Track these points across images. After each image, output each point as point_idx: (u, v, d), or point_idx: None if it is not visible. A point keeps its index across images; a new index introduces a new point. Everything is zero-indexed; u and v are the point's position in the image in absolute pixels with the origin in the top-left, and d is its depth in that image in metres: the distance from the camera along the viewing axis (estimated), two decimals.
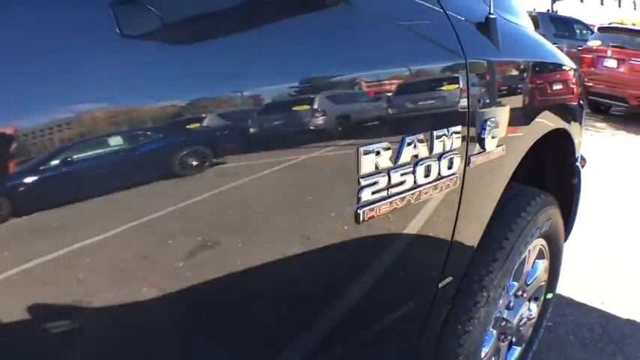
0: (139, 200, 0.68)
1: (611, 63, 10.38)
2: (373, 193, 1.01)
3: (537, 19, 12.15)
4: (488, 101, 1.33)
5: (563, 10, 21.33)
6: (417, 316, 1.38)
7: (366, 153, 0.97)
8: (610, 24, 12.02)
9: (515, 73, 1.51)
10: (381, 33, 1.07)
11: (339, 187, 0.97)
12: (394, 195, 1.06)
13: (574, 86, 2.09)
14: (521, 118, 1.54)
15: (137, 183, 0.68)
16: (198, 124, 0.74)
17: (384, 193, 1.04)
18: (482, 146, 1.30)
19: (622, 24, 11.90)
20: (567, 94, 2.04)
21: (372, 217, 1.02)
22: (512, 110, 1.45)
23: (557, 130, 1.91)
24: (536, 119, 1.62)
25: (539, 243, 1.94)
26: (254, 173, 0.81)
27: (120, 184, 0.66)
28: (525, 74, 1.58)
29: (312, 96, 0.89)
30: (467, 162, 1.25)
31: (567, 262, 3.44)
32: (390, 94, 1.04)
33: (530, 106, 1.59)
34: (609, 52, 10.41)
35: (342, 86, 0.96)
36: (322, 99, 0.90)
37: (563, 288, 3.12)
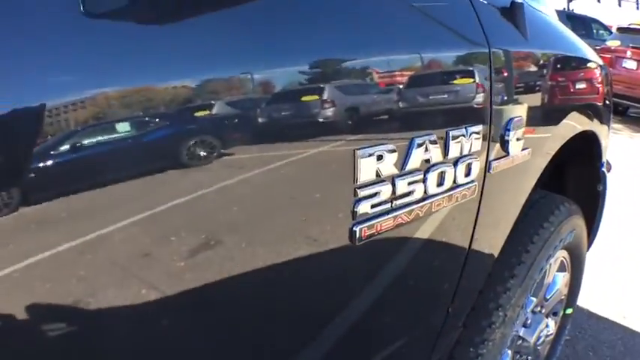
0: (91, 202, 0.56)
1: (630, 64, 10.21)
2: (373, 206, 0.84)
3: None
4: (514, 97, 1.16)
5: (579, 9, 20.95)
6: (423, 341, 1.21)
7: (365, 157, 0.80)
8: (629, 25, 11.80)
9: (544, 66, 1.33)
10: (386, 14, 0.90)
11: (330, 200, 0.80)
12: (399, 208, 0.88)
13: (602, 84, 1.90)
14: (550, 117, 1.36)
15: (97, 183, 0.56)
16: (162, 118, 0.60)
17: (387, 206, 0.86)
18: (506, 149, 1.12)
19: None
20: (595, 92, 1.85)
21: (372, 235, 0.85)
22: (540, 109, 1.28)
23: (584, 131, 1.73)
24: (566, 119, 1.44)
25: (561, 255, 1.77)
26: (220, 183, 0.65)
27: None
28: (555, 68, 1.40)
29: (297, 87, 0.72)
30: (487, 168, 1.07)
31: (587, 273, 3.27)
32: (396, 86, 0.86)
33: (560, 104, 1.42)
34: (629, 53, 10.23)
35: (339, 76, 0.78)
36: (311, 90, 0.74)
37: (583, 300, 2.96)
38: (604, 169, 2.10)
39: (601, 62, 1.93)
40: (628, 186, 5.53)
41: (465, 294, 1.22)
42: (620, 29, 11.44)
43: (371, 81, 0.82)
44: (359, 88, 0.81)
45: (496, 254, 1.28)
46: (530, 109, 1.21)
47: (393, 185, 0.86)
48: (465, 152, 1.00)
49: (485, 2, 1.13)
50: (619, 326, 2.86)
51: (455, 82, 0.99)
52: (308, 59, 0.73)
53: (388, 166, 0.84)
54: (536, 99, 1.27)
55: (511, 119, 1.12)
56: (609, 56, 10.39)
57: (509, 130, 1.11)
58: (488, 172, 1.07)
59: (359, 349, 1.01)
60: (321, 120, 0.75)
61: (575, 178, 2.11)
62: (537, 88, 1.29)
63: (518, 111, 1.16)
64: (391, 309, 1.02)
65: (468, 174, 1.02)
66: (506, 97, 1.12)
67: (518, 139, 1.14)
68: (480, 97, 1.03)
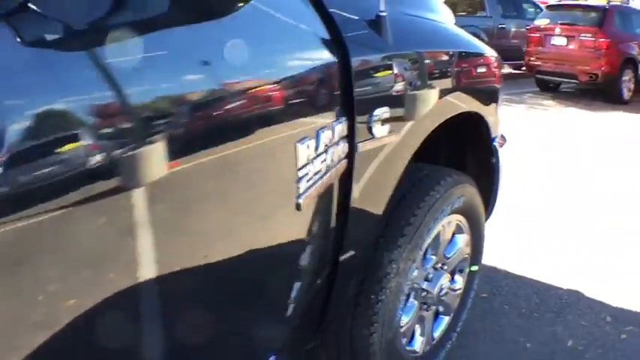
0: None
1: (559, 41, 10.77)
2: (307, 181, 1.25)
3: (484, 2, 12.49)
4: (375, 92, 1.52)
5: None
6: (316, 289, 1.55)
7: (302, 145, 1.23)
8: (559, 1, 12.39)
9: (409, 64, 1.69)
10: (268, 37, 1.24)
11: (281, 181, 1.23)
12: (317, 181, 1.30)
13: (484, 71, 2.29)
14: (417, 105, 1.72)
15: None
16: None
17: (312, 181, 1.28)
18: (372, 133, 1.48)
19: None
20: (476, 79, 2.24)
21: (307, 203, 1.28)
22: (405, 98, 1.64)
23: (468, 113, 2.10)
24: (436, 105, 1.81)
25: (454, 219, 2.12)
26: (202, 174, 1.02)
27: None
28: (421, 64, 1.76)
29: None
30: (355, 148, 1.43)
31: (505, 235, 3.66)
32: (276, 92, 1.22)
33: (427, 93, 1.78)
34: (558, 30, 10.78)
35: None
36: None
37: (499, 261, 3.31)
38: (496, 144, 2.47)
39: (485, 51, 2.32)
40: (548, 157, 6.09)
41: (353, 249, 1.57)
42: (549, 7, 12.01)
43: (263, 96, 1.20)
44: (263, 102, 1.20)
45: (378, 216, 1.63)
46: (395, 99, 1.58)
47: (313, 165, 1.28)
48: (343, 136, 1.37)
49: (352, 17, 1.48)
50: (535, 282, 3.17)
51: (320, 84, 1.36)
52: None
53: (310, 152, 1.26)
54: (401, 91, 1.63)
55: (375, 109, 1.49)
56: (538, 35, 10.97)
57: (372, 118, 1.47)
58: (357, 151, 1.44)
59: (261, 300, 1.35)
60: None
61: (473, 154, 2.48)
62: (402, 82, 1.64)
63: (382, 102, 1.52)
64: (289, 263, 1.37)
65: (343, 152, 1.39)
66: (368, 93, 1.49)
67: (382, 125, 1.51)
68: (345, 94, 1.39)
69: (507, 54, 12.17)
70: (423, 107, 1.74)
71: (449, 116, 1.91)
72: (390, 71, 1.59)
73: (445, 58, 1.96)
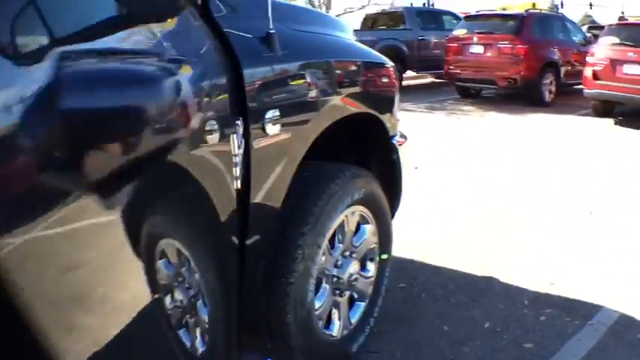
0: None
1: (477, 49, 11.38)
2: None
3: (403, 16, 13.18)
4: (266, 97, 1.82)
5: (439, 3, 22.58)
6: (227, 275, 1.78)
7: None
8: (477, 11, 13.12)
9: (297, 72, 2.00)
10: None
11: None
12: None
13: (379, 77, 2.63)
14: (306, 108, 2.03)
15: None
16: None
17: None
18: (265, 132, 1.78)
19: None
20: (370, 83, 2.58)
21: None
22: (295, 102, 1.96)
23: (365, 115, 2.42)
24: (324, 107, 2.13)
25: (357, 210, 2.40)
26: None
27: None
28: (310, 72, 2.07)
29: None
30: (250, 144, 1.72)
31: (423, 232, 3.99)
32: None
33: (315, 97, 2.09)
34: (475, 39, 11.40)
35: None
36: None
37: (416, 255, 3.61)
38: (395, 142, 2.79)
39: (377, 60, 2.66)
40: (467, 160, 6.55)
41: (257, 234, 1.85)
42: (467, 18, 12.69)
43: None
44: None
45: (278, 203, 1.92)
46: (285, 104, 1.88)
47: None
48: (240, 135, 1.65)
49: (240, 33, 1.77)
50: (451, 271, 3.44)
51: (218, 94, 1.63)
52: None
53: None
54: (291, 95, 1.94)
55: (266, 111, 1.79)
56: (456, 45, 11.59)
57: (264, 120, 1.77)
58: (253, 147, 1.73)
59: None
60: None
61: (376, 152, 2.80)
62: (292, 88, 1.95)
63: (273, 105, 1.82)
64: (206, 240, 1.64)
65: (241, 149, 1.67)
66: (260, 98, 1.78)
67: (274, 125, 1.80)
68: (239, 100, 1.69)
69: (428, 64, 12.92)
70: (311, 109, 2.05)
71: (338, 118, 2.22)
72: (280, 79, 1.90)
73: (335, 66, 2.28)
